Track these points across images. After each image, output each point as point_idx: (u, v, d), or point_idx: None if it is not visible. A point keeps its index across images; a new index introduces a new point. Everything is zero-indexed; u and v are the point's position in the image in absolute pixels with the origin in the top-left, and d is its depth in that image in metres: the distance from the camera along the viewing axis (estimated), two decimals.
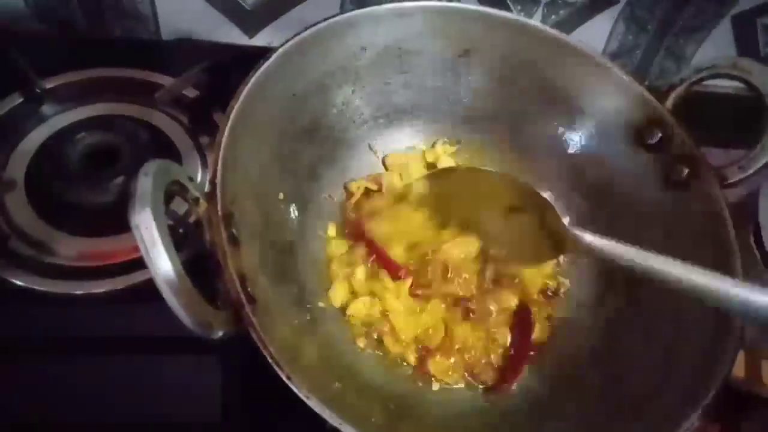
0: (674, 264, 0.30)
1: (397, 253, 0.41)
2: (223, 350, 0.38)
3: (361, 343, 0.39)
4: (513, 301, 0.41)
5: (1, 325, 0.38)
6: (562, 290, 0.43)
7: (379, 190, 0.44)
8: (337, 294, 0.40)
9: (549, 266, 0.43)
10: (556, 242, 0.36)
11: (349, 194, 0.44)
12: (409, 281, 0.40)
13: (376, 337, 0.39)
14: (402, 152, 0.46)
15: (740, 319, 0.32)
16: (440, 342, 0.39)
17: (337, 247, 0.42)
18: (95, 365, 0.37)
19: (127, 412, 0.36)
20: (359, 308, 0.39)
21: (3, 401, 0.35)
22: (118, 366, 0.38)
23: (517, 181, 0.39)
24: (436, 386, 0.38)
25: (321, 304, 0.39)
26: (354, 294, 0.40)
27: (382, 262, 0.40)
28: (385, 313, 0.39)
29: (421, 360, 0.39)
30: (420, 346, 0.39)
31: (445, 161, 0.46)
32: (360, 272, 0.40)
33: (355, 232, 0.42)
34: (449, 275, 0.40)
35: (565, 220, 0.36)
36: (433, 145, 0.47)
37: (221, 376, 0.38)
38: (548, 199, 0.37)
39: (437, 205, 0.41)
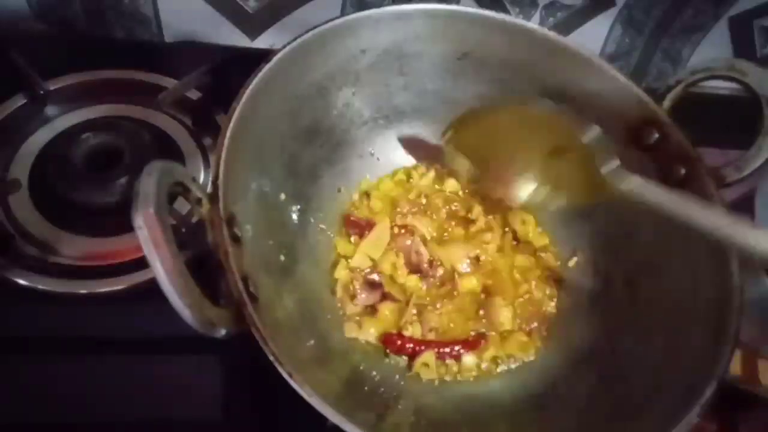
0: (709, 212, 0.32)
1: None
2: (225, 349, 0.38)
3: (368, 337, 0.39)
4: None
5: (5, 324, 0.38)
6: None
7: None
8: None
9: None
10: (599, 185, 0.36)
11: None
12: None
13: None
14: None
15: (736, 318, 0.32)
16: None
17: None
18: (98, 364, 0.38)
19: (128, 412, 0.37)
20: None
21: (6, 400, 0.36)
22: (121, 365, 0.38)
23: (559, 120, 0.38)
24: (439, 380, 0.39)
25: (322, 304, 0.40)
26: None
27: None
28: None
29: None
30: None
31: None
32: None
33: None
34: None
35: (608, 166, 0.36)
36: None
37: (223, 375, 0.38)
38: (596, 135, 0.36)
39: (472, 145, 0.41)
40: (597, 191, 0.37)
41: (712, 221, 0.31)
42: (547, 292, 0.43)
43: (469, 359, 0.39)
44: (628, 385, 0.35)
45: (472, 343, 0.40)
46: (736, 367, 0.40)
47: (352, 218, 0.44)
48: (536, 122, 0.39)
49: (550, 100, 0.38)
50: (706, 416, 0.30)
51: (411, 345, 0.39)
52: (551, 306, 0.43)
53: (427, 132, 0.47)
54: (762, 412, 0.40)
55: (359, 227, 0.43)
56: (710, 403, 0.30)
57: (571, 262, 0.44)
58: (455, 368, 0.39)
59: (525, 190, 0.40)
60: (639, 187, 0.35)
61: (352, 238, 0.43)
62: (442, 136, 0.42)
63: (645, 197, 0.34)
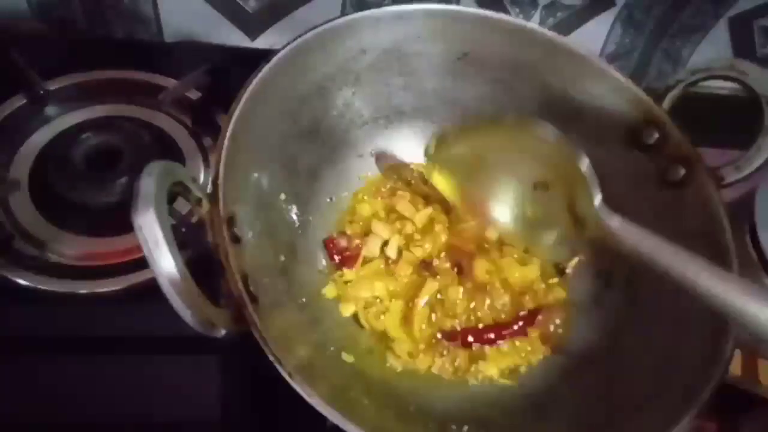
0: (700, 266, 0.30)
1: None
2: (225, 350, 0.38)
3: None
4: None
5: (4, 324, 0.38)
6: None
7: None
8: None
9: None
10: (581, 222, 0.36)
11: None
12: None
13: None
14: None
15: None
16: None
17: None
18: (98, 364, 0.38)
19: (128, 412, 0.37)
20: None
21: (6, 400, 0.36)
22: (121, 365, 0.38)
23: (550, 148, 0.36)
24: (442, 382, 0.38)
25: (322, 305, 0.40)
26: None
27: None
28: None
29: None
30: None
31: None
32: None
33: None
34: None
35: (597, 199, 0.34)
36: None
37: (223, 375, 0.39)
38: (587, 166, 0.35)
39: (455, 163, 0.41)
40: (576, 230, 0.36)
41: (703, 283, 0.29)
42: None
43: (489, 366, 0.39)
44: (628, 385, 0.35)
45: (526, 320, 0.39)
46: (736, 367, 0.40)
47: (334, 241, 0.42)
48: (525, 147, 0.37)
49: (548, 123, 0.36)
50: (706, 416, 0.30)
51: (471, 338, 0.38)
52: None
53: (426, 131, 0.47)
54: (762, 412, 0.40)
55: (340, 251, 0.41)
56: (710, 403, 0.30)
57: (572, 263, 0.44)
58: (473, 370, 0.39)
59: (503, 220, 0.40)
60: (620, 228, 0.33)
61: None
62: (425, 150, 0.42)
63: (624, 238, 0.33)
